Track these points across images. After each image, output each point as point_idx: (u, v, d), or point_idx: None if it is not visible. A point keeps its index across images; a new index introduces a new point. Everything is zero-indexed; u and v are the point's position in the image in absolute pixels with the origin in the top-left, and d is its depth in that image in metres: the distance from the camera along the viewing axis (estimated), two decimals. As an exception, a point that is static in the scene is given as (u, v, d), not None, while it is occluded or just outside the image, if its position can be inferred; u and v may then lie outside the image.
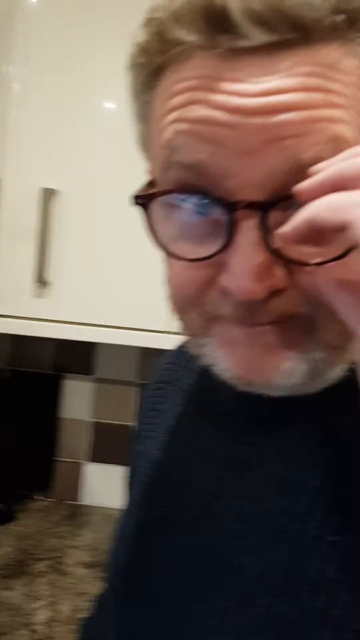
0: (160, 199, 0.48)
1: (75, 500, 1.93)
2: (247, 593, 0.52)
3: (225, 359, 0.49)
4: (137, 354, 1.90)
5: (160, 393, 0.77)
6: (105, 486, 1.92)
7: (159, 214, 0.49)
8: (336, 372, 0.49)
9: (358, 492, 0.48)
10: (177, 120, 0.44)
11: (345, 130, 0.41)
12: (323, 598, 0.47)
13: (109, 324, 1.47)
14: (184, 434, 0.67)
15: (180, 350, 0.78)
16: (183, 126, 0.44)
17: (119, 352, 1.90)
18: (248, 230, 0.42)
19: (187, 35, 0.43)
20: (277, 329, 0.46)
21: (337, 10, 0.41)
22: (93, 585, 1.46)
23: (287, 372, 0.47)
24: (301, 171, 0.40)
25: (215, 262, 0.45)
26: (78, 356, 1.92)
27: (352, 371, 0.51)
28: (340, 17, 0.41)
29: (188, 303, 0.49)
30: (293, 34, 0.41)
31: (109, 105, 1.48)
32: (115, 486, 1.89)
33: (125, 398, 1.92)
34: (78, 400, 1.94)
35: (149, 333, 1.46)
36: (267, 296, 0.43)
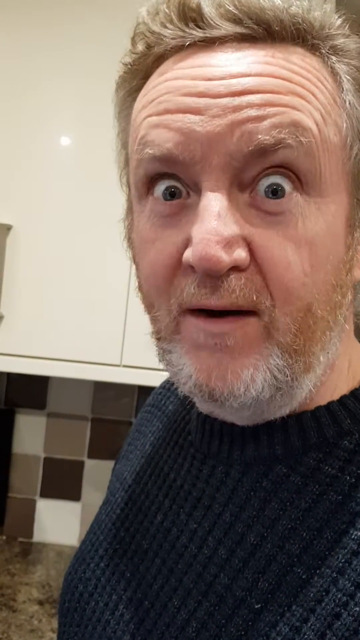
0: (134, 195, 0.52)
1: (27, 537, 1.90)
2: (167, 638, 0.51)
3: (189, 365, 0.48)
4: (90, 387, 1.91)
5: (147, 416, 0.78)
6: (58, 523, 1.91)
7: (137, 215, 0.52)
8: (301, 392, 0.49)
9: (291, 562, 0.47)
10: (149, 115, 0.47)
11: (304, 119, 0.44)
12: None
13: (62, 358, 1.48)
14: (155, 460, 0.67)
15: None
16: (154, 120, 0.47)
17: (72, 386, 1.90)
18: (212, 203, 0.44)
19: (162, 29, 0.47)
20: (237, 331, 0.46)
21: (297, 15, 0.46)
22: (45, 622, 1.44)
23: (247, 380, 0.46)
24: (262, 153, 0.44)
25: (180, 244, 0.47)
26: (31, 390, 1.91)
27: (315, 421, 0.52)
28: (300, 20, 0.46)
29: (158, 292, 0.50)
30: (258, 29, 0.46)
31: (65, 141, 1.51)
32: (67, 523, 1.88)
33: (78, 433, 1.92)
34: (31, 435, 1.92)
35: (102, 366, 1.47)
36: (228, 271, 0.44)
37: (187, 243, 0.46)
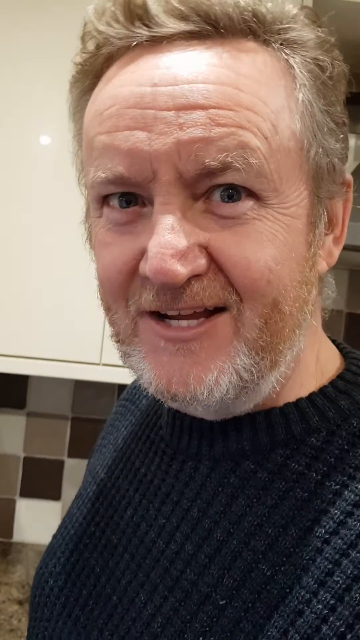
0: (91, 208, 0.51)
1: (7, 537, 1.89)
2: (133, 634, 0.51)
3: (148, 371, 0.49)
4: (70, 387, 1.90)
5: (121, 410, 0.77)
6: (37, 522, 1.89)
7: (94, 220, 0.52)
8: (266, 387, 0.49)
9: (256, 559, 0.47)
10: (99, 133, 0.47)
11: (251, 139, 0.44)
12: None
13: (41, 357, 1.47)
14: (127, 455, 0.67)
15: None
16: (103, 140, 0.46)
17: (52, 385, 1.89)
18: (165, 218, 0.44)
19: (108, 29, 0.46)
20: (203, 335, 0.46)
21: (247, 9, 0.45)
22: (24, 622, 1.44)
23: (211, 384, 0.46)
24: (210, 174, 0.44)
25: (137, 252, 0.46)
26: (10, 389, 1.89)
27: (284, 417, 0.52)
28: (250, 15, 0.45)
29: (114, 297, 0.50)
30: (206, 26, 0.45)
31: (44, 140, 1.50)
32: (47, 522, 1.87)
33: (58, 432, 1.90)
34: (10, 435, 1.90)
35: (81, 365, 1.47)
36: (187, 281, 0.45)
37: (143, 252, 0.46)
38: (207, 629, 0.46)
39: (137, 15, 0.45)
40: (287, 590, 0.44)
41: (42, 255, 1.47)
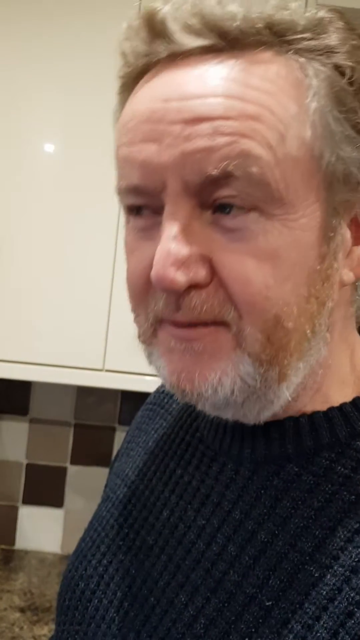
0: (123, 215, 0.54)
1: (9, 544, 1.88)
2: (174, 635, 0.51)
3: (164, 367, 0.51)
4: (73, 393, 1.90)
5: (148, 414, 0.78)
6: (40, 530, 1.89)
7: (125, 225, 0.55)
8: (278, 399, 0.50)
9: (303, 560, 0.47)
10: (122, 144, 0.49)
11: (254, 147, 0.44)
12: None
13: (43, 362, 1.48)
14: (160, 457, 0.67)
15: None
16: (124, 151, 0.49)
17: (55, 392, 1.89)
18: (170, 226, 0.46)
19: (134, 47, 0.50)
20: (206, 337, 0.48)
21: (259, 21, 0.46)
22: (26, 630, 1.43)
23: (214, 383, 0.48)
24: (214, 183, 0.45)
25: (152, 259, 0.48)
26: (13, 396, 1.90)
27: (328, 421, 0.52)
28: (262, 26, 0.46)
29: (136, 301, 0.53)
30: (219, 40, 0.46)
31: (48, 148, 1.51)
32: (49, 530, 1.87)
33: (60, 439, 1.91)
34: (13, 442, 1.90)
35: (84, 371, 1.47)
36: (188, 289, 0.46)
37: None
38: (253, 629, 0.47)
39: (157, 34, 0.48)
40: (337, 592, 0.44)
41: (45, 261, 1.47)
